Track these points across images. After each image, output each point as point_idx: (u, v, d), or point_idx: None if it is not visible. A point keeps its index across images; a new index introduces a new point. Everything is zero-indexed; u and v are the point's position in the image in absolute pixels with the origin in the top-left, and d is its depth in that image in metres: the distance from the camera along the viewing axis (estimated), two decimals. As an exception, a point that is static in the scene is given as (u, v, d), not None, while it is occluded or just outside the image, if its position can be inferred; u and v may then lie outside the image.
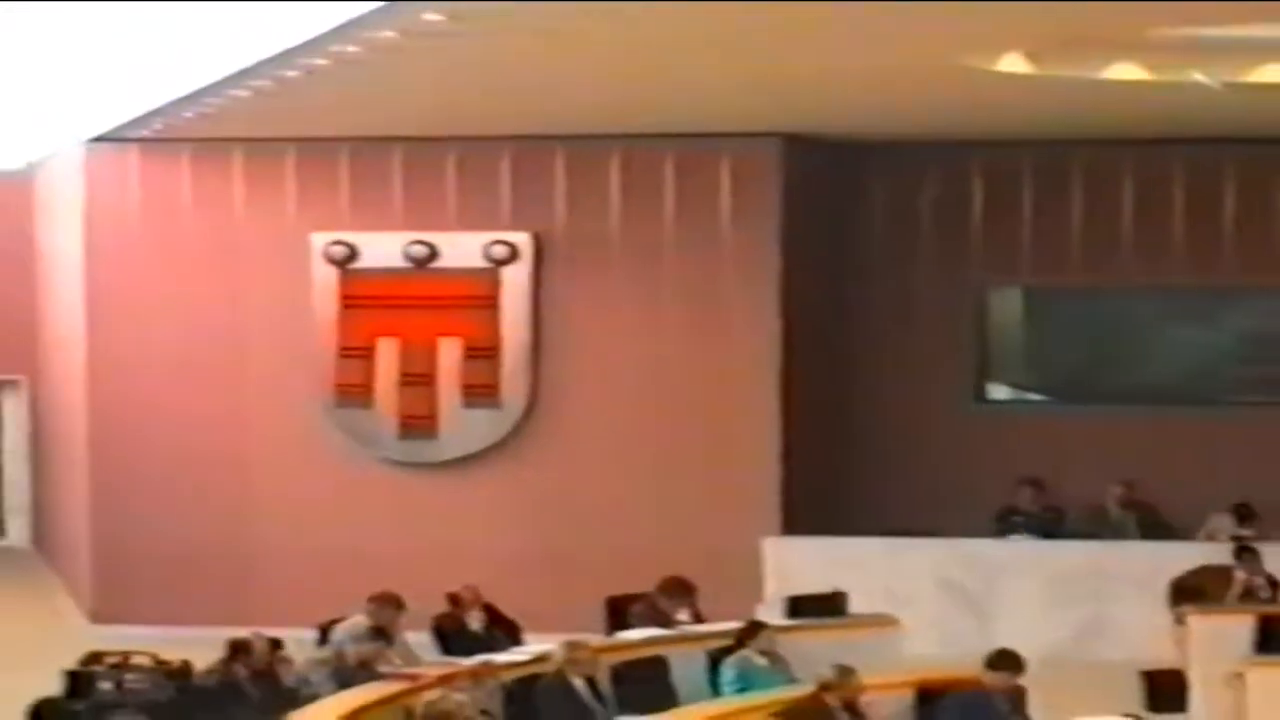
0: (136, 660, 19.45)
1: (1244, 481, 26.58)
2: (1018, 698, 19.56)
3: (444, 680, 19.02)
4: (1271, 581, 23.75)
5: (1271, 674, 21.40)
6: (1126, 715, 19.92)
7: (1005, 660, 19.66)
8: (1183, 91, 22.41)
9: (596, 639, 21.04)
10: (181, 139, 26.28)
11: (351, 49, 18.25)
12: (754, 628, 21.14)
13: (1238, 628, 22.44)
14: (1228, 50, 21.38)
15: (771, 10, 17.07)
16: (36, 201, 31.07)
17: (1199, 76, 21.93)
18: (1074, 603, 24.73)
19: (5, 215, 31.29)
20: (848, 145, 28.02)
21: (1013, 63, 20.92)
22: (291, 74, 19.93)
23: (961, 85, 21.69)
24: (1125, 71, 21.67)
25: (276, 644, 20.28)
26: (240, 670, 19.64)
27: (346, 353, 27.27)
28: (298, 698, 18.96)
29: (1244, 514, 26.26)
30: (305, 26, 17.99)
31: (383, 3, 16.27)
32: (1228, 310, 29.76)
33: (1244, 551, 24.32)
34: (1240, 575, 24.06)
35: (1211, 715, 21.50)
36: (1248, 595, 23.61)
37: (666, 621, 22.12)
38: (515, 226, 27.12)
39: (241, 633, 20.19)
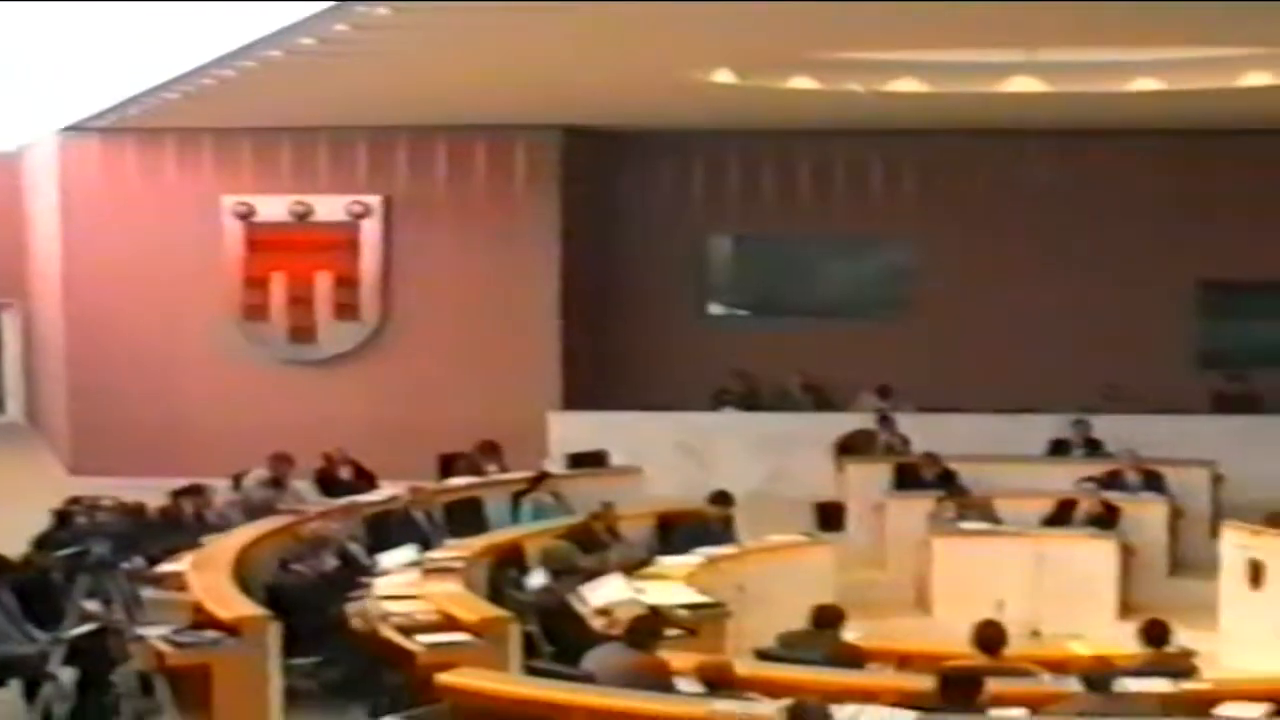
0: (104, 502, 19.37)
1: (883, 369, 27.00)
2: (729, 523, 19.98)
3: (323, 515, 19.22)
4: (903, 440, 24.27)
5: (903, 504, 21.85)
6: (804, 533, 20.45)
7: (720, 498, 20.11)
8: (842, 97, 22.78)
9: (431, 484, 21.27)
10: (128, 129, 26.14)
11: (250, 64, 18.41)
12: (543, 476, 21.47)
13: (880, 473, 22.97)
14: (873, 68, 21.77)
15: (557, 44, 17.46)
16: (24, 174, 30.83)
17: (854, 86, 22.31)
18: (767, 456, 24.91)
19: (2, 185, 31.09)
20: (609, 134, 28.16)
21: (724, 75, 21.23)
22: (208, 82, 20.06)
23: (688, 92, 21.99)
24: (802, 82, 22.02)
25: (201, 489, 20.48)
26: (186, 507, 19.78)
27: (249, 282, 27.28)
28: (218, 529, 19.14)
29: (884, 392, 26.66)
30: (216, 48, 18.16)
31: (272, 31, 16.53)
32: (871, 251, 30.15)
33: (884, 420, 24.81)
34: (882, 436, 24.55)
35: (861, 533, 21.97)
36: (887, 450, 24.07)
37: (481, 472, 22.34)
38: (370, 191, 27.17)
39: (181, 482, 20.35)
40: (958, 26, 18.11)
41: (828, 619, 15.11)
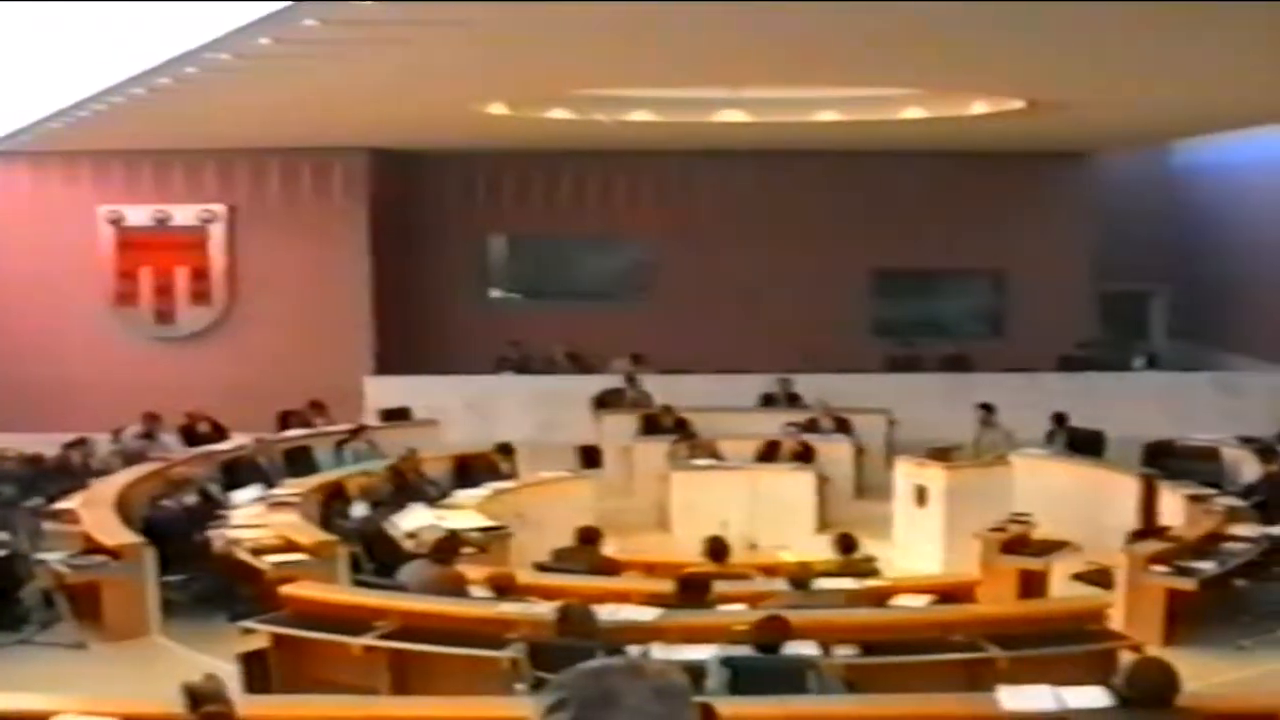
0: (8, 453, 19.15)
1: (629, 341, 27.02)
2: (512, 464, 20.12)
3: (186, 461, 19.12)
4: (646, 396, 24.27)
5: (647, 446, 21.89)
6: (569, 470, 20.49)
7: (503, 448, 20.20)
8: (593, 125, 22.90)
9: (272, 436, 21.17)
10: (21, 153, 25.44)
11: (119, 100, 18.19)
12: (361, 428, 21.42)
13: (628, 422, 23.04)
14: (615, 103, 21.96)
15: (366, 85, 17.46)
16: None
17: (600, 116, 22.46)
18: (540, 410, 24.79)
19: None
20: (408, 154, 28.01)
21: (498, 108, 21.29)
22: (84, 114, 19.75)
23: (470, 121, 21.97)
24: (559, 113, 22.12)
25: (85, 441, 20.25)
26: (75, 457, 19.55)
27: (121, 275, 26.73)
28: (101, 473, 18.95)
29: (637, 359, 26.59)
30: (91, 87, 17.96)
31: (135, 74, 16.40)
32: (618, 248, 30.19)
33: (631, 380, 24.95)
34: (629, 393, 24.69)
35: (614, 469, 21.86)
36: (634, 404, 24.19)
37: (311, 425, 22.24)
38: (217, 201, 26.73)
39: (70, 436, 20.13)
40: (677, 71, 18.43)
41: (588, 537, 15.29)
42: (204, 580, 15.38)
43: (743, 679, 10.07)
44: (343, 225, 27.00)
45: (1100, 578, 15.02)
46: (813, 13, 12.68)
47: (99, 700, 9.83)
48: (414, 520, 16.68)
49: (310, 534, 15.56)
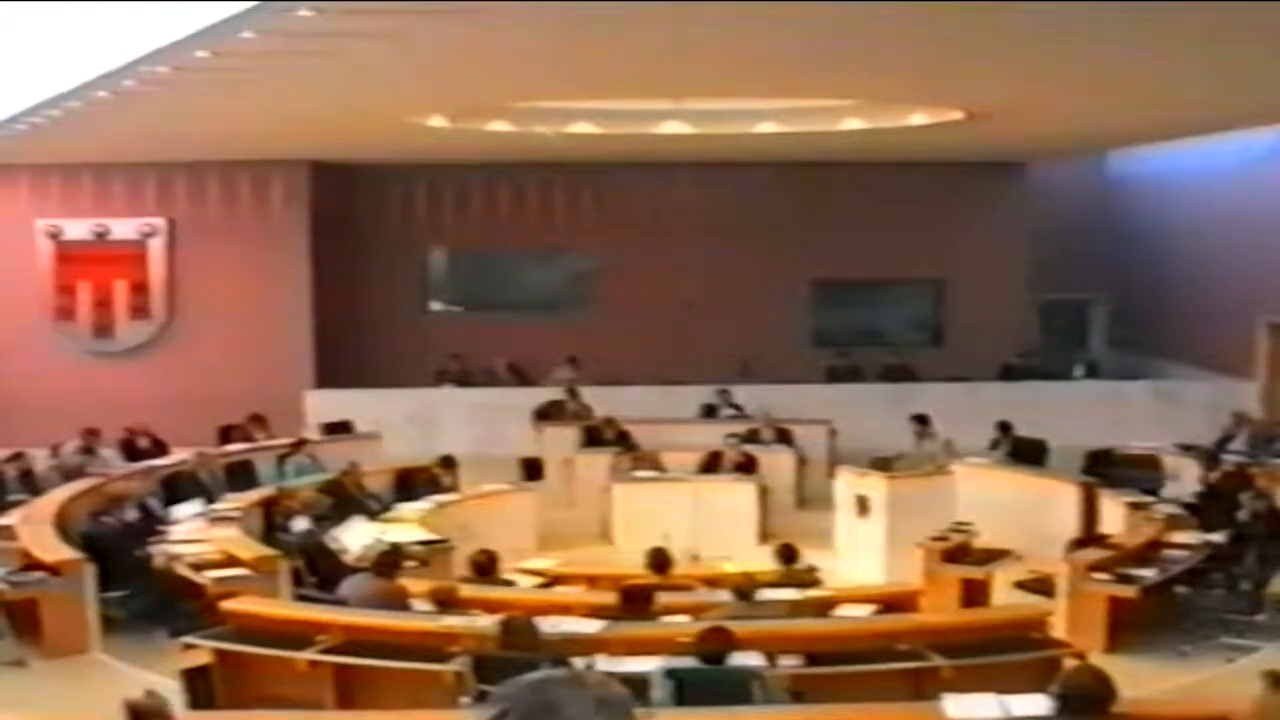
0: (-55, 470, 19.05)
1: (570, 352, 27.12)
2: (454, 478, 20.07)
3: (126, 477, 19.00)
4: (587, 408, 24.31)
5: (589, 458, 21.83)
6: (511, 482, 20.56)
7: (446, 460, 20.18)
8: (532, 137, 22.84)
9: (213, 450, 21.02)
10: (-41, 168, 25.61)
11: (55, 113, 18.06)
12: (302, 442, 21.32)
13: (570, 434, 23.00)
14: (555, 115, 21.93)
15: (305, 97, 17.39)
16: None
17: (540, 129, 22.42)
18: (482, 423, 24.82)
19: None
20: (348, 167, 27.91)
21: (438, 120, 21.24)
22: (21, 128, 19.62)
23: (410, 133, 21.88)
24: (499, 126, 22.06)
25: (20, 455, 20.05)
26: (12, 472, 19.37)
27: (60, 290, 26.54)
28: (40, 489, 18.79)
29: (574, 363, 26.62)
30: (28, 99, 17.84)
31: (72, 87, 16.29)
32: (559, 259, 30.05)
33: (572, 391, 24.95)
34: (571, 405, 24.69)
35: (557, 481, 21.86)
36: (575, 416, 24.13)
37: (252, 439, 22.13)
38: (157, 214, 26.58)
39: (7, 452, 19.94)
40: (621, 82, 18.43)
41: (483, 569, 14.94)
42: (145, 596, 15.27)
43: (687, 690, 10.06)
44: (283, 239, 26.87)
45: (1042, 586, 15.11)
46: (752, 23, 12.69)
47: (39, 718, 9.76)
48: (356, 534, 16.64)
49: (251, 549, 15.49)
